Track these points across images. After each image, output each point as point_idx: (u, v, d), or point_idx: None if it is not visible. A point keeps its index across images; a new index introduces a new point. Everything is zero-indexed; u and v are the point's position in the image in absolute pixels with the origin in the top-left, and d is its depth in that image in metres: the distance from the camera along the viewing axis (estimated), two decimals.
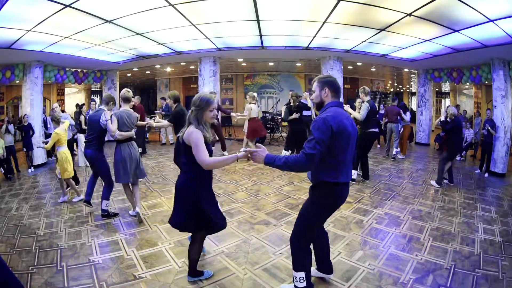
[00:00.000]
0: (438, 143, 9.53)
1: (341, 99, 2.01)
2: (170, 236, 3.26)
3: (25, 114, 6.95)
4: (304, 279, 2.07)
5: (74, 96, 13.59)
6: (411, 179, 5.67)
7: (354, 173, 5.25)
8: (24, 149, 6.73)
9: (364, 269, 2.63)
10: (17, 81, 7.62)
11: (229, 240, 3.17)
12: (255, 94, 7.05)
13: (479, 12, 4.35)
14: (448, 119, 5.38)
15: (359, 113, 5.21)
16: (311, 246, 2.23)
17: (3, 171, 6.00)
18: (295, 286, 2.12)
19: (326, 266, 2.41)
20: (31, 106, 7.23)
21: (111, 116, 3.60)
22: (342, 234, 3.30)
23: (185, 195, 2.24)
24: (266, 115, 10.72)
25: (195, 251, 2.38)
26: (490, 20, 4.58)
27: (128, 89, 3.85)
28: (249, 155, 2.04)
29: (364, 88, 5.34)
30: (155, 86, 15.79)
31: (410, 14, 4.73)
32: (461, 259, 2.83)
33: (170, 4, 4.64)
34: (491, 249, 3.05)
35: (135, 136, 3.82)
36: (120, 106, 3.89)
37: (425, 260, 2.80)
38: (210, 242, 3.10)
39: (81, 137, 6.71)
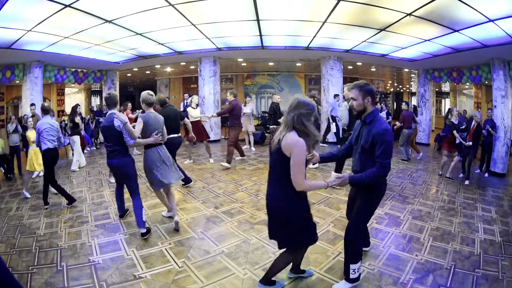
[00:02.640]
0: (438, 143, 9.54)
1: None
2: (170, 236, 3.26)
3: (25, 114, 6.94)
4: (359, 268, 2.33)
5: (74, 96, 13.58)
6: (411, 179, 5.67)
7: None
8: (24, 149, 6.73)
9: (364, 269, 2.63)
10: (17, 81, 7.63)
11: (229, 240, 3.17)
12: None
13: (479, 12, 4.35)
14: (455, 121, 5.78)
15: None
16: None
17: (3, 171, 6.00)
18: (350, 278, 2.30)
19: (366, 241, 2.89)
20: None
21: (136, 119, 3.34)
22: (342, 234, 3.27)
23: (288, 213, 2.06)
24: (266, 115, 10.72)
25: (285, 262, 2.26)
26: (490, 20, 4.58)
27: (151, 92, 3.50)
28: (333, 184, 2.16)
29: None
30: (155, 86, 15.78)
31: (410, 14, 4.74)
32: (461, 259, 2.83)
33: (170, 4, 4.64)
34: (491, 249, 3.05)
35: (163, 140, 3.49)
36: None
37: (425, 260, 2.80)
38: (210, 242, 3.11)
39: (76, 139, 6.66)
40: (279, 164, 2.03)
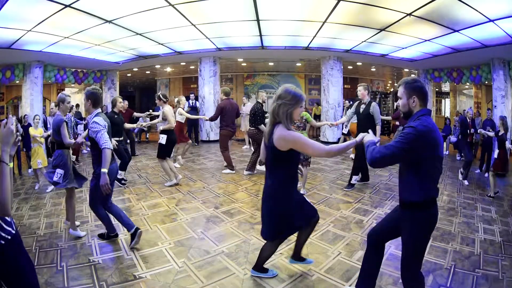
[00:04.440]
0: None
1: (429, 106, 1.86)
2: (170, 236, 3.26)
3: (25, 114, 6.94)
4: None
5: (74, 96, 13.59)
6: None
7: (354, 179, 4.96)
8: (24, 149, 6.73)
9: None
10: (17, 81, 7.63)
11: (229, 240, 3.17)
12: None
13: (479, 12, 4.36)
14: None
15: (376, 120, 4.50)
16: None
17: None
18: None
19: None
20: (31, 106, 7.24)
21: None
22: (342, 234, 3.30)
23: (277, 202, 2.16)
24: (267, 115, 10.73)
25: (268, 250, 2.34)
26: (490, 20, 4.59)
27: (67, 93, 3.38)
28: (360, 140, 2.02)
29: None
30: (155, 86, 15.79)
31: (410, 14, 4.74)
32: (461, 259, 2.83)
33: (170, 4, 4.65)
34: (491, 249, 3.05)
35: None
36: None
37: (425, 260, 2.78)
38: (210, 242, 3.11)
39: None
40: (270, 156, 2.11)
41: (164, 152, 4.99)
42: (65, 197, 3.43)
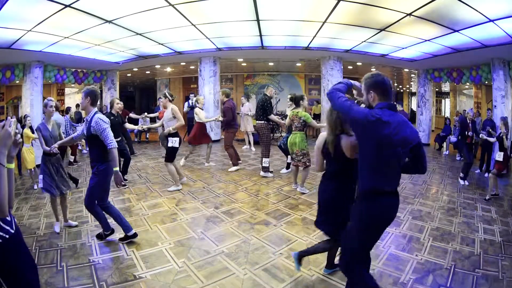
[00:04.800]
0: (438, 143, 9.54)
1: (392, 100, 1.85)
2: (170, 236, 3.26)
3: (25, 114, 6.94)
4: None
5: (74, 96, 13.59)
6: (411, 179, 5.67)
7: None
8: None
9: None
10: (17, 81, 7.62)
11: (229, 240, 3.17)
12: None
13: (479, 12, 4.36)
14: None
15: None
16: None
17: None
18: None
19: None
20: (31, 106, 7.24)
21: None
22: None
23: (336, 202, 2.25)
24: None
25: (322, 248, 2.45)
26: (490, 20, 4.58)
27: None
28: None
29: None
30: (155, 86, 15.79)
31: (410, 14, 4.74)
32: (461, 259, 2.83)
33: (170, 4, 4.65)
34: (491, 249, 3.05)
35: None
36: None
37: (425, 260, 2.80)
38: (210, 242, 3.11)
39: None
40: (340, 165, 2.20)
41: (174, 155, 4.81)
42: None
